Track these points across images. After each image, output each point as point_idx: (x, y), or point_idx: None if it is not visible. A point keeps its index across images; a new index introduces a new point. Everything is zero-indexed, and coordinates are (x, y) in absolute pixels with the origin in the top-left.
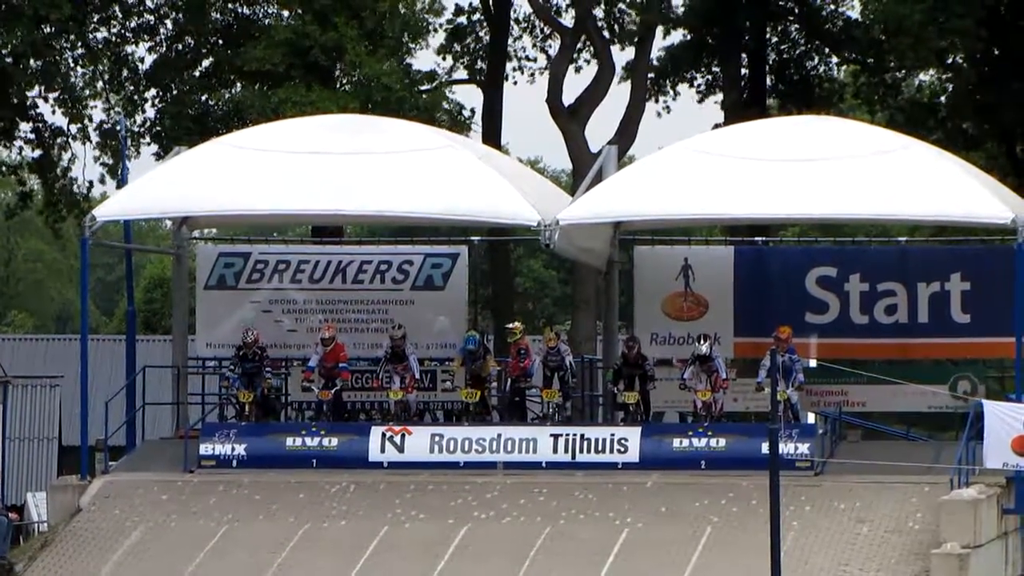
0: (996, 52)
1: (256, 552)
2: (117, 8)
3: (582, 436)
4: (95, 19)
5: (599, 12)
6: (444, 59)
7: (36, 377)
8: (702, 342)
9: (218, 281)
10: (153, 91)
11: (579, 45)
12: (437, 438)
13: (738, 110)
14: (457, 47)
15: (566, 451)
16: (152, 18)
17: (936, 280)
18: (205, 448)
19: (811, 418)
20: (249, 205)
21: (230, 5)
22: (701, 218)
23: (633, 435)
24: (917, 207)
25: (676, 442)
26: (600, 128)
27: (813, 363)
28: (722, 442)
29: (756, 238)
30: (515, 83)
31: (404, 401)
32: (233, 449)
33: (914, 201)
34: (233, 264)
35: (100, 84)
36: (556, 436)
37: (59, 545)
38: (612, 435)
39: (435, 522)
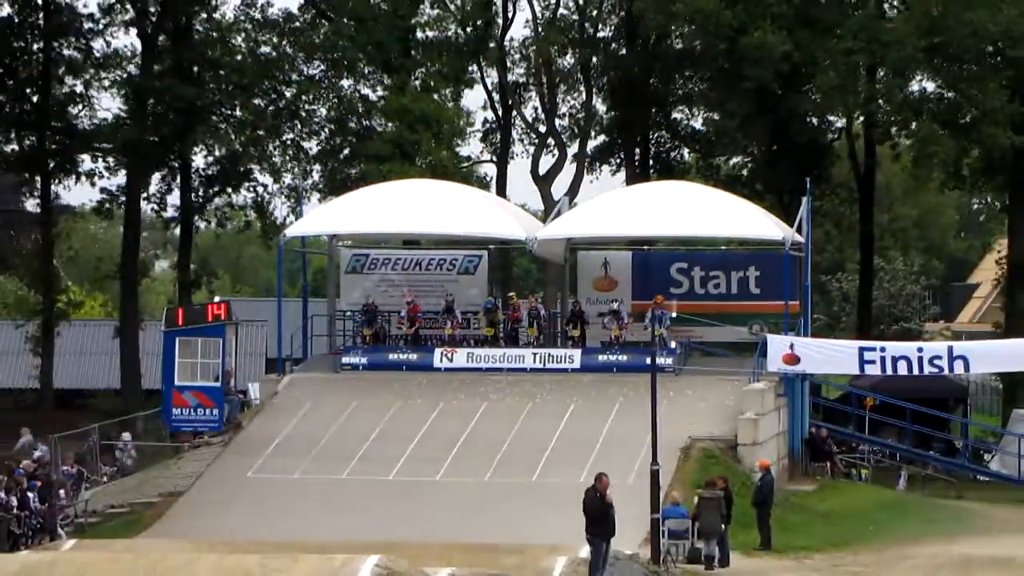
0: (775, 147)
1: (373, 415)
2: (298, 123)
3: (549, 354)
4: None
5: (559, 124)
6: (481, 153)
7: (253, 321)
8: (614, 304)
9: (351, 269)
10: (317, 166)
11: (548, 142)
12: (470, 355)
13: (634, 178)
14: (483, 143)
15: (540, 362)
16: (316, 126)
17: (741, 269)
18: (346, 360)
19: (673, 344)
20: (369, 228)
21: (362, 120)
22: (613, 236)
23: (577, 353)
24: (731, 229)
25: (601, 357)
26: (559, 187)
27: (674, 314)
28: (624, 357)
29: (643, 246)
30: (512, 159)
31: (453, 335)
32: (360, 360)
33: (729, 226)
34: (360, 260)
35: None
36: (535, 354)
37: (266, 412)
38: (565, 353)
39: (469, 400)
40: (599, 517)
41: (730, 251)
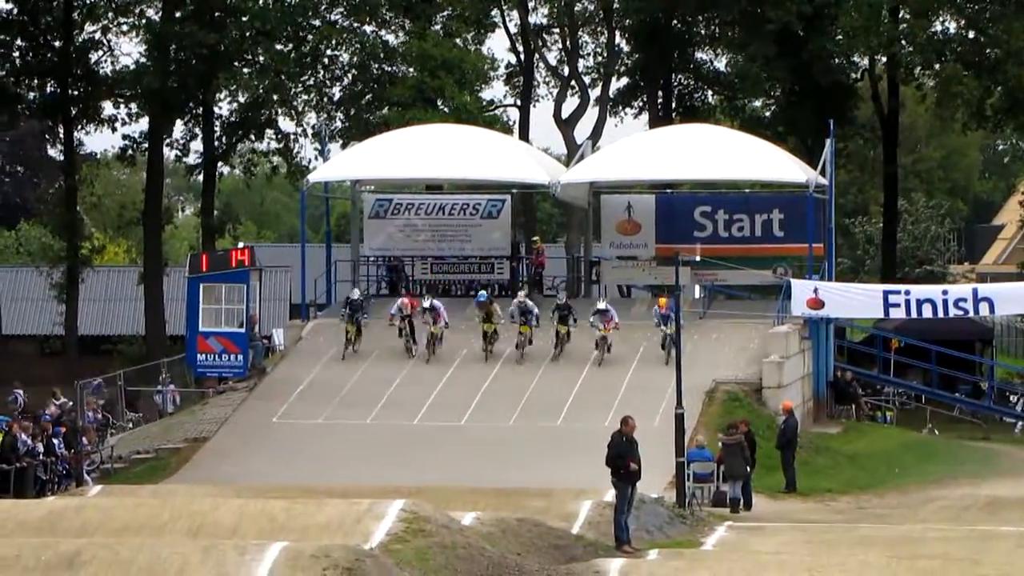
0: (796, 88)
1: (396, 362)
2: (321, 68)
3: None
4: (308, 72)
5: (582, 66)
6: (504, 97)
7: (277, 266)
8: (600, 303)
9: (375, 214)
10: (340, 112)
11: (571, 86)
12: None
13: (657, 121)
14: (506, 87)
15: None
16: (339, 72)
17: (765, 212)
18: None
19: (697, 289)
20: (392, 173)
21: (384, 66)
22: (636, 180)
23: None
24: (755, 172)
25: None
26: (582, 131)
27: (698, 258)
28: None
29: (667, 189)
30: (534, 103)
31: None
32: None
33: (753, 169)
34: (383, 205)
35: (313, 107)
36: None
37: (290, 357)
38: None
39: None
40: (624, 461)
41: (754, 194)
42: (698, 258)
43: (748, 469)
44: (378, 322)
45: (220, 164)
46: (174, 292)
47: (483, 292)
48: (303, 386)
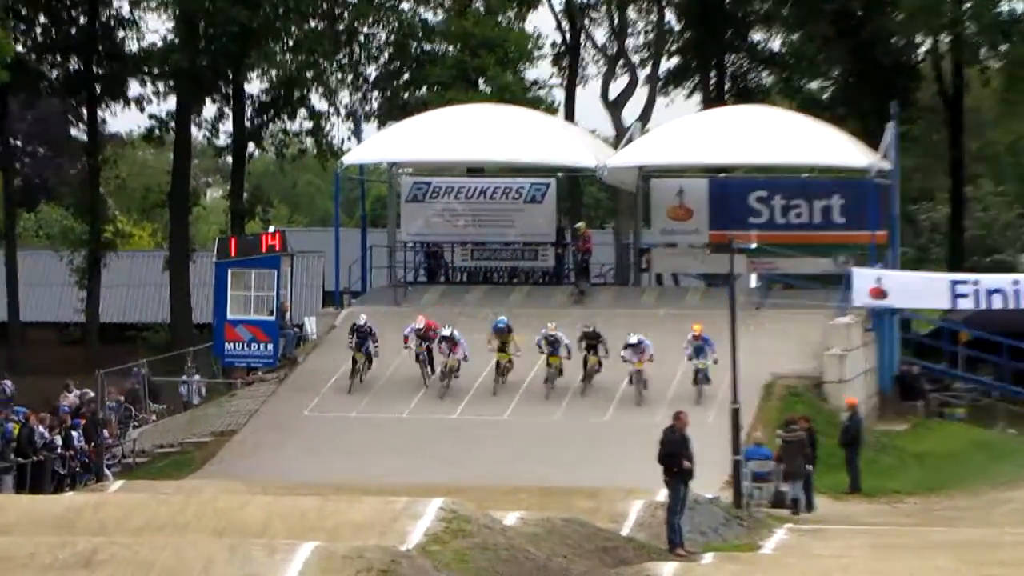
0: (856, 68)
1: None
2: (356, 47)
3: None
4: (343, 51)
5: (631, 45)
6: (551, 76)
7: (309, 252)
8: (631, 337)
9: (412, 198)
10: (376, 92)
11: (619, 65)
12: (534, 292)
13: (709, 103)
14: (553, 67)
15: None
16: (375, 50)
17: (824, 198)
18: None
19: (753, 277)
20: (431, 155)
21: (423, 45)
22: (688, 163)
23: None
24: (813, 156)
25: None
26: (630, 112)
27: (754, 245)
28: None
29: (720, 173)
30: (581, 83)
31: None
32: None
33: (811, 153)
34: (421, 188)
35: (347, 86)
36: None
37: (322, 347)
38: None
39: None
40: (678, 459)
41: (812, 179)
42: (753, 245)
43: (809, 468)
44: (389, 343)
45: (250, 145)
46: (201, 278)
47: (502, 318)
48: (337, 377)
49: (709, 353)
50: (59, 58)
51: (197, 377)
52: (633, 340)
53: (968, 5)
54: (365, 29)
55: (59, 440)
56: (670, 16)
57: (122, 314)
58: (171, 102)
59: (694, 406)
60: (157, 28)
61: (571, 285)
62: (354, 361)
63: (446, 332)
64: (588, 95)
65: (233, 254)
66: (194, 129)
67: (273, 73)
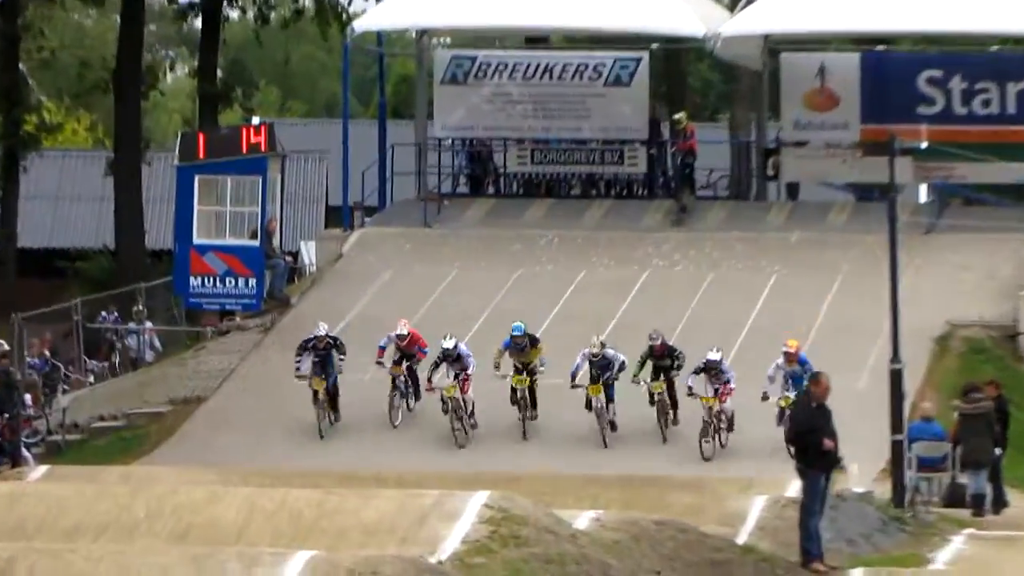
0: None
1: (481, 291)
2: None
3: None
4: None
5: None
6: None
7: (308, 151)
8: (713, 352)
9: (451, 78)
10: None
11: None
12: (619, 206)
13: None
14: None
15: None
16: None
17: (1022, 80)
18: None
19: (923, 189)
20: (476, 19)
21: None
22: (833, 31)
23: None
24: (1008, 22)
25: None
26: None
27: (924, 144)
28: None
29: (877, 45)
30: None
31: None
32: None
33: (1005, 17)
34: (463, 65)
35: None
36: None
37: (325, 283)
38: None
39: (622, 268)
40: (815, 438)
41: (1006, 52)
42: (924, 145)
43: (997, 451)
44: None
45: (226, 5)
46: (158, 188)
47: (519, 324)
48: (344, 325)
49: (804, 377)
50: None
51: (149, 324)
52: (714, 356)
53: None
54: None
55: None
56: None
57: (48, 237)
58: None
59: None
60: None
61: (669, 199)
62: (314, 392)
63: (448, 344)
64: None
65: (202, 155)
66: None
67: None
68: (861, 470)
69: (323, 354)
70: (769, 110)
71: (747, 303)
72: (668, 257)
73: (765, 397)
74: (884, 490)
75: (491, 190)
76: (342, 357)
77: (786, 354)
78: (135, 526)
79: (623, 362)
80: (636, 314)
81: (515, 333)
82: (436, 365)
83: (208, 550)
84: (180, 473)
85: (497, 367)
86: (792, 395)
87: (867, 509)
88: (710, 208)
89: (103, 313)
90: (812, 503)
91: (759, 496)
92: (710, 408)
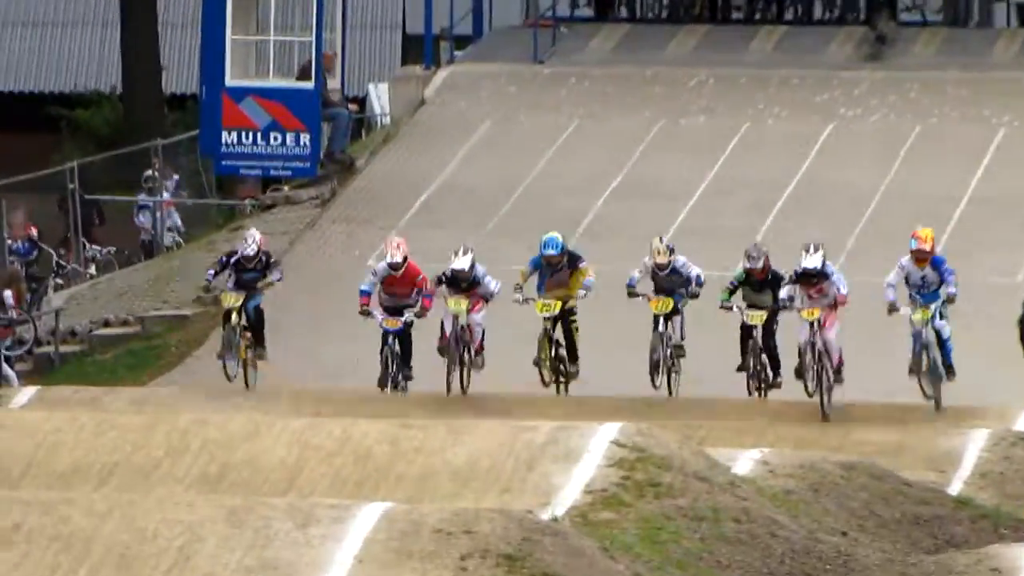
0: None
1: (608, 149)
2: None
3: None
4: None
5: None
6: None
7: None
8: (809, 254)
9: None
10: None
11: None
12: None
13: None
14: None
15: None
16: None
17: None
18: None
19: None
20: None
21: None
22: None
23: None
24: None
25: None
26: None
27: None
28: None
29: None
30: None
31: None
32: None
33: None
34: None
35: None
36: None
37: (402, 139)
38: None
39: (800, 119)
40: None
41: None
42: None
43: None
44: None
45: None
46: (178, 9)
47: (553, 235)
48: (427, 195)
49: (945, 291)
50: None
51: (167, 195)
52: (811, 263)
53: None
54: None
55: None
56: None
57: (34, 79)
58: None
59: None
60: None
61: (862, 25)
62: (226, 314)
63: (458, 264)
64: None
65: None
66: None
67: None
68: None
69: (252, 275)
70: None
71: (966, 167)
72: (860, 104)
73: (893, 308)
74: None
75: (623, 13)
76: (278, 278)
77: (916, 250)
78: (151, 469)
79: (699, 277)
80: (825, 175)
81: (547, 251)
82: (440, 283)
83: (248, 502)
84: (209, 398)
85: (518, 288)
86: (933, 308)
87: None
88: (916, 37)
89: None
90: None
91: (978, 430)
92: (819, 346)
